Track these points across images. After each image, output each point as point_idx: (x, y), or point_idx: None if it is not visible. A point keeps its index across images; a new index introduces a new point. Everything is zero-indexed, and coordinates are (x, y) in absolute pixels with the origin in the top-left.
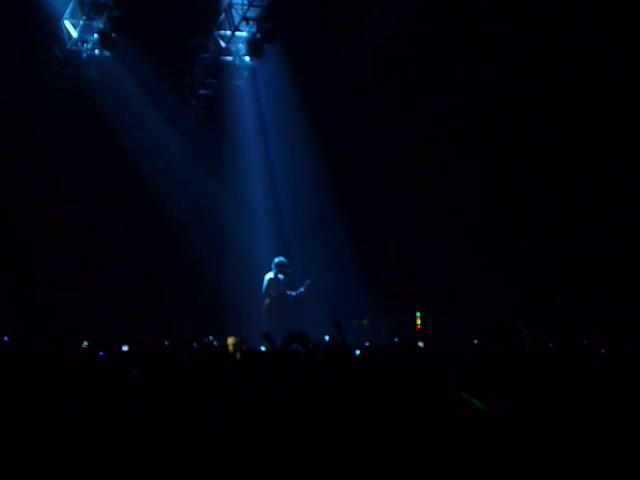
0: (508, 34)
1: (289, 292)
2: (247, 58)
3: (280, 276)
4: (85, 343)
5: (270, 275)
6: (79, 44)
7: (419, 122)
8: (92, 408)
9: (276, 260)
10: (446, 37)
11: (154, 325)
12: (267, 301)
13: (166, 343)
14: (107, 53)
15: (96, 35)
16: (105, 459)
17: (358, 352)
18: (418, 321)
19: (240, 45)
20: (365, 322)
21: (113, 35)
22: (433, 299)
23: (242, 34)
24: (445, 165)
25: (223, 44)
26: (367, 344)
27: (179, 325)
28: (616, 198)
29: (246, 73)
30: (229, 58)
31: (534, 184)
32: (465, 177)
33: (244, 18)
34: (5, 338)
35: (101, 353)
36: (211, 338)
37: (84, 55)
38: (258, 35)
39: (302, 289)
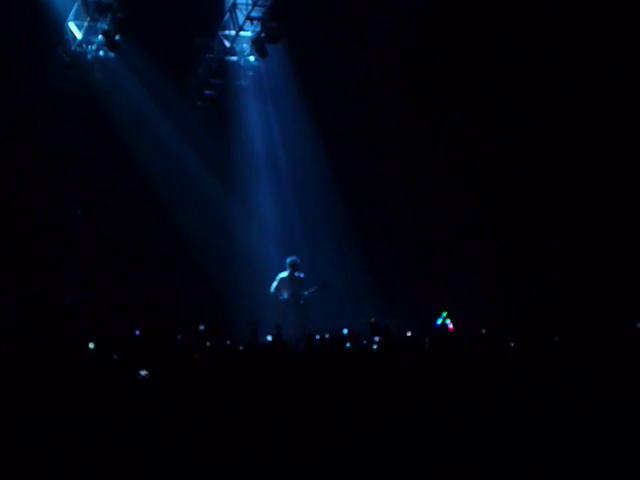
0: (514, 33)
1: (303, 291)
2: (252, 58)
3: (296, 274)
4: (91, 345)
5: (284, 274)
6: (84, 45)
7: (425, 121)
8: (101, 407)
9: (290, 259)
10: (450, 35)
11: (160, 325)
12: (279, 299)
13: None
14: (112, 54)
15: (100, 36)
16: (113, 457)
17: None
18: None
19: (245, 45)
20: (372, 320)
21: (117, 36)
22: (440, 297)
23: (246, 34)
24: (452, 164)
25: (228, 44)
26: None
27: (185, 324)
28: (617, 201)
29: (251, 73)
30: (234, 58)
31: (536, 184)
32: (472, 175)
33: (248, 18)
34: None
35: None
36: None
37: (89, 56)
38: (263, 35)
39: (313, 288)
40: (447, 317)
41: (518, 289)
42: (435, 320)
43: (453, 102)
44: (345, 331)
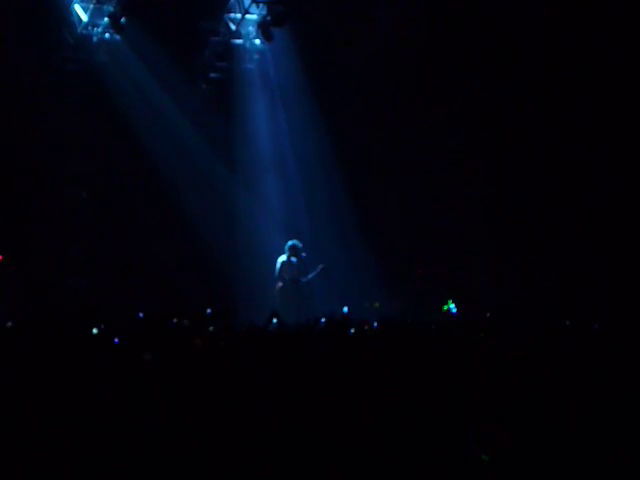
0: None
1: (302, 276)
2: (257, 41)
3: (293, 259)
4: (95, 330)
5: (283, 258)
6: (89, 28)
7: (431, 106)
8: (105, 392)
9: (289, 243)
10: (460, 19)
11: (164, 310)
12: (280, 284)
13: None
14: (117, 37)
15: (106, 19)
16: (116, 443)
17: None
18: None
19: (250, 28)
20: (376, 305)
21: (123, 19)
22: (443, 281)
23: (252, 17)
24: (460, 151)
25: (233, 27)
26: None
27: (189, 308)
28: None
29: (256, 56)
30: (239, 41)
31: (542, 173)
32: (474, 161)
33: (254, 1)
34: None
35: (116, 339)
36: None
37: (94, 39)
38: (268, 18)
39: (313, 273)
40: (453, 303)
41: (522, 275)
42: (441, 306)
43: (464, 89)
44: (345, 309)
